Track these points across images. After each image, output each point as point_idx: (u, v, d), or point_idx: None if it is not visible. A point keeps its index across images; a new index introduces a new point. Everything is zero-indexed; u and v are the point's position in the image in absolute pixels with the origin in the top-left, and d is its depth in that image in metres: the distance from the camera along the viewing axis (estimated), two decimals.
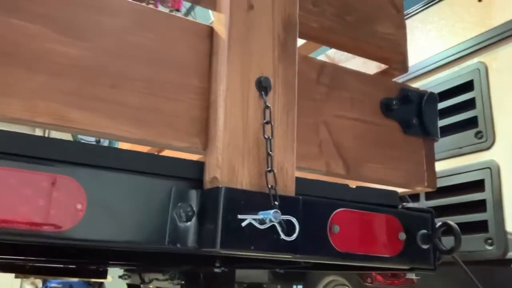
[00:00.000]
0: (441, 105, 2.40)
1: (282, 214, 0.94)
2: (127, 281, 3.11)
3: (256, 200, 0.96)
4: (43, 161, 0.86)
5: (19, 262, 2.31)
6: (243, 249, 0.93)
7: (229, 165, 0.98)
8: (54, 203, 0.85)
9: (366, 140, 1.26)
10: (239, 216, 0.93)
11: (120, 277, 3.18)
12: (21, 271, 2.89)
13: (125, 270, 3.09)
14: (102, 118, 0.94)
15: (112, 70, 0.97)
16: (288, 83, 1.09)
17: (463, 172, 2.32)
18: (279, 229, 0.94)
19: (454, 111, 2.42)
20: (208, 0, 1.13)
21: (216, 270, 1.99)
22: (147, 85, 1.00)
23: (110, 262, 2.25)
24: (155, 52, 1.03)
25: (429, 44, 2.69)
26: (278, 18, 1.11)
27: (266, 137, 1.01)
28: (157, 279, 2.63)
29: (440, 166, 2.38)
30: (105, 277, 3.05)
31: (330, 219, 1.11)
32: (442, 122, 2.38)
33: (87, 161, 0.90)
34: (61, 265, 2.54)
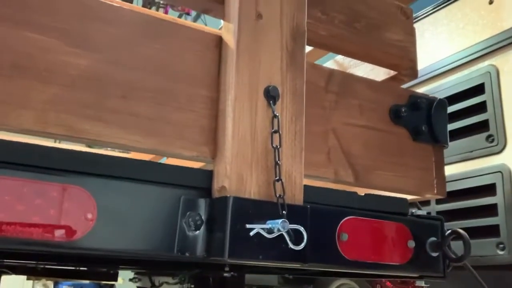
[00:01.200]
0: (452, 109, 2.38)
1: (290, 223, 0.94)
2: (138, 284, 3.12)
3: (264, 209, 0.97)
4: (54, 171, 0.88)
5: (31, 264, 2.34)
6: (251, 259, 0.93)
7: (237, 174, 0.98)
8: (64, 213, 0.86)
9: (375, 147, 1.26)
10: (247, 226, 0.93)
11: (130, 280, 3.19)
12: (32, 273, 2.92)
13: (135, 273, 3.10)
14: (113, 128, 0.95)
15: (122, 80, 0.98)
16: (296, 92, 1.10)
17: (474, 176, 2.30)
18: (287, 238, 0.94)
19: (465, 114, 2.40)
20: (217, 9, 1.13)
21: (226, 274, 2.00)
22: (157, 95, 1.01)
23: (121, 266, 2.27)
24: (164, 62, 1.04)
25: (440, 47, 2.67)
26: (286, 27, 1.11)
27: (274, 146, 1.01)
28: (167, 283, 2.65)
29: (451, 170, 2.38)
30: (115, 280, 3.07)
31: (338, 227, 1.11)
32: (452, 126, 2.37)
33: (97, 170, 0.91)
34: (72, 268, 2.56)
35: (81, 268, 2.64)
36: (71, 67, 0.94)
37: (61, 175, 0.88)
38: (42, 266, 2.53)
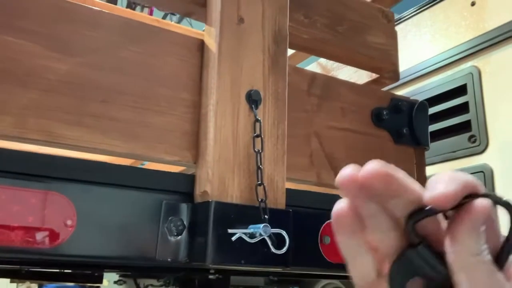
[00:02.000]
0: (435, 109, 2.41)
1: (273, 227, 0.94)
2: (122, 286, 3.10)
3: (247, 214, 0.97)
4: (32, 177, 0.86)
5: (14, 268, 2.31)
6: (234, 263, 0.93)
7: (219, 179, 0.98)
8: (43, 220, 0.85)
9: (357, 150, 1.27)
10: (230, 230, 0.93)
11: (115, 282, 3.17)
12: (16, 276, 2.88)
13: (120, 276, 3.08)
14: (93, 133, 0.94)
15: (102, 85, 0.97)
16: (279, 95, 1.10)
17: None
18: (269, 242, 0.94)
19: (447, 115, 2.43)
20: (199, 12, 1.13)
21: (211, 276, 1.99)
22: (138, 99, 1.01)
23: (105, 268, 2.25)
24: (145, 66, 1.03)
25: (423, 48, 2.70)
26: (268, 31, 1.11)
27: (256, 150, 1.01)
28: (152, 285, 2.63)
29: (434, 170, 2.40)
30: (100, 282, 3.04)
31: (321, 230, 1.12)
32: (435, 126, 2.39)
33: (76, 176, 0.90)
34: (57, 270, 2.54)
35: (65, 271, 2.61)
36: (51, 72, 0.92)
37: (40, 181, 0.87)
38: (26, 269, 2.50)
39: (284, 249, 0.95)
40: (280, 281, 3.02)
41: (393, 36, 1.41)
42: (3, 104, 0.87)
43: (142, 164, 2.12)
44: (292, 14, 1.19)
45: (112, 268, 1.92)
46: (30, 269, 2.47)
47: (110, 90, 0.98)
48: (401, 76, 1.48)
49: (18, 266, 2.03)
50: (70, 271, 2.62)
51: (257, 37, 1.09)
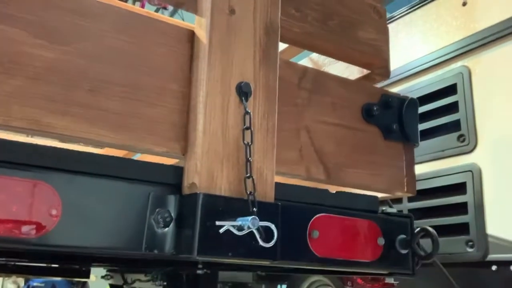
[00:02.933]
0: (425, 108, 2.42)
1: (261, 220, 0.94)
2: (110, 281, 3.08)
3: (235, 206, 0.96)
4: (17, 165, 0.85)
5: (0, 261, 2.28)
6: (221, 256, 0.93)
7: (208, 171, 0.97)
8: (28, 209, 0.84)
9: (347, 145, 1.26)
10: (217, 223, 0.92)
11: (102, 277, 3.15)
12: (2, 270, 2.85)
13: (107, 271, 3.06)
14: (80, 122, 0.93)
15: (90, 74, 0.96)
16: (269, 88, 1.09)
17: (445, 175, 2.34)
18: (257, 235, 0.94)
19: (437, 114, 2.44)
20: (190, 3, 1.12)
21: (199, 271, 1.99)
22: (126, 90, 0.99)
23: (92, 263, 2.23)
24: (134, 56, 1.02)
25: (414, 47, 2.71)
26: (259, 23, 1.10)
27: (246, 143, 1.01)
28: (139, 280, 2.62)
29: (422, 169, 2.41)
30: (88, 277, 3.02)
31: (309, 224, 1.12)
32: (425, 125, 2.40)
33: (62, 166, 0.89)
34: (44, 264, 2.51)
35: (52, 265, 2.59)
36: (37, 59, 0.91)
37: (25, 170, 0.85)
38: (12, 263, 2.47)
39: (272, 242, 0.95)
40: (268, 277, 3.02)
41: (385, 32, 1.40)
42: None
43: (135, 157, 2.10)
44: (284, 7, 1.18)
45: (99, 261, 1.90)
46: (17, 263, 2.44)
47: (98, 79, 0.96)
48: (391, 75, 1.49)
49: (4, 259, 2.00)
50: (57, 265, 2.60)
51: (249, 29, 1.08)
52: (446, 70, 2.48)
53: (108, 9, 1.01)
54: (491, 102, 2.24)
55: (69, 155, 0.91)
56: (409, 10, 2.78)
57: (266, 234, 0.95)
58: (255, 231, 0.93)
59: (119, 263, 2.18)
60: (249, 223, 0.92)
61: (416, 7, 2.75)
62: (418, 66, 2.62)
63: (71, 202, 0.88)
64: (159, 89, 1.03)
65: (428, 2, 2.68)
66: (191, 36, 1.09)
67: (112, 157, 0.97)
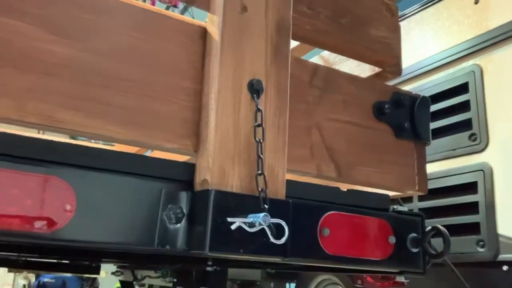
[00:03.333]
0: (436, 107, 2.41)
1: (272, 217, 0.94)
2: (120, 277, 3.11)
3: (246, 203, 0.96)
4: (32, 161, 0.86)
5: (12, 257, 2.31)
6: (232, 252, 0.93)
7: (219, 168, 0.98)
8: (42, 204, 0.85)
9: (358, 143, 1.26)
10: (229, 219, 0.93)
11: (113, 273, 3.18)
12: (14, 265, 2.89)
13: (118, 267, 3.09)
14: (93, 118, 0.94)
15: (103, 70, 0.97)
16: (280, 86, 1.09)
17: (457, 174, 2.33)
18: (268, 232, 0.94)
19: (448, 113, 2.43)
20: (202, 1, 1.12)
21: (208, 268, 1.99)
22: (139, 86, 1.00)
23: (103, 259, 2.25)
24: (147, 52, 1.02)
25: (425, 45, 2.70)
26: (271, 21, 1.11)
27: (257, 140, 1.01)
28: (149, 276, 2.64)
29: (433, 168, 2.40)
30: (98, 273, 3.05)
31: (320, 222, 1.12)
32: (436, 124, 2.39)
33: (77, 161, 0.90)
34: (55, 260, 2.54)
35: (63, 261, 2.61)
36: (51, 55, 0.92)
37: (39, 165, 0.86)
38: (23, 259, 2.50)
39: (283, 239, 0.95)
40: (277, 275, 3.02)
41: (396, 30, 1.40)
42: (2, 86, 0.87)
43: (147, 153, 2.11)
44: (296, 4, 1.18)
45: (110, 257, 1.92)
46: (28, 259, 2.47)
47: (110, 75, 0.97)
48: (403, 73, 1.48)
49: (16, 255, 2.02)
50: (67, 261, 2.63)
51: (260, 26, 1.08)
52: (458, 68, 2.46)
53: (121, 6, 1.02)
54: (503, 101, 2.22)
55: (84, 151, 0.92)
56: (421, 8, 2.77)
57: (277, 231, 0.96)
58: (266, 228, 0.93)
59: (129, 259, 2.19)
60: (260, 220, 0.92)
61: (428, 5, 2.73)
62: (429, 64, 2.60)
63: (85, 197, 0.89)
64: (171, 86, 1.04)
65: (440, 0, 2.67)
66: (203, 33, 1.10)
67: (126, 153, 0.98)
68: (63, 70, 0.92)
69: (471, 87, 2.35)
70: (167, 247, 0.95)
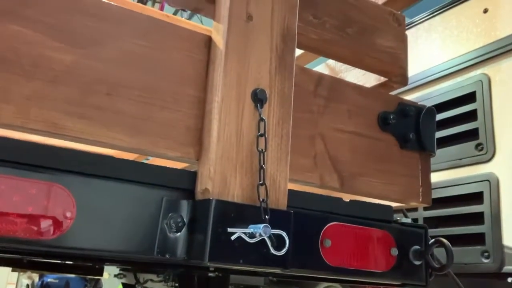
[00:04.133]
0: (443, 116, 2.39)
1: (273, 228, 0.93)
2: (123, 280, 3.11)
3: (247, 213, 0.96)
4: (33, 167, 0.86)
5: (16, 257, 2.32)
6: (232, 263, 0.93)
7: (221, 177, 0.97)
8: (42, 211, 0.85)
9: (362, 153, 1.25)
10: (229, 229, 0.92)
11: (115, 276, 3.18)
12: (18, 265, 2.90)
13: (120, 270, 3.09)
14: (96, 126, 0.94)
15: (107, 77, 0.97)
16: (284, 95, 1.09)
17: (462, 184, 2.31)
18: (269, 243, 0.94)
19: (455, 122, 2.41)
20: (208, 9, 1.12)
21: (210, 274, 1.99)
22: (143, 94, 1.00)
23: (106, 261, 2.25)
24: (151, 60, 1.02)
25: (433, 54, 2.68)
26: (276, 30, 1.10)
27: (260, 150, 1.00)
28: (152, 280, 2.63)
29: (439, 177, 2.38)
30: (101, 275, 3.05)
31: (322, 233, 1.11)
32: (442, 133, 2.37)
33: (78, 168, 0.90)
34: (58, 261, 2.54)
35: (66, 262, 2.62)
36: (55, 62, 0.92)
37: (40, 172, 0.86)
38: (28, 259, 2.51)
39: (284, 251, 0.94)
40: (279, 282, 3.01)
41: (403, 40, 1.39)
42: (6, 93, 0.87)
43: (146, 160, 2.12)
44: (301, 13, 1.18)
45: (112, 261, 1.92)
46: (32, 259, 2.48)
47: (115, 83, 0.97)
48: (410, 81, 1.47)
49: (20, 256, 2.03)
50: (71, 262, 2.63)
51: (265, 35, 1.08)
52: (466, 77, 2.44)
53: (127, 14, 1.02)
54: (511, 111, 2.20)
55: (84, 158, 0.92)
56: (429, 16, 2.75)
57: (278, 242, 0.95)
58: (266, 239, 0.93)
59: (131, 263, 2.19)
60: (260, 230, 0.92)
61: (437, 13, 2.71)
62: (437, 73, 2.58)
63: (85, 204, 0.89)
64: (175, 93, 1.04)
65: (449, 8, 2.65)
66: (208, 41, 1.10)
67: (127, 160, 0.98)
68: (68, 77, 0.93)
69: (478, 96, 2.34)
70: (167, 255, 0.94)
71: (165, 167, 1.01)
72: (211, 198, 0.94)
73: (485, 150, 2.26)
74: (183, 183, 1.01)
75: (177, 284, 2.31)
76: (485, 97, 2.31)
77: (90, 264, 2.84)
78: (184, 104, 1.04)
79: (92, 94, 0.95)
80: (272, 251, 0.93)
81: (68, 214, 0.87)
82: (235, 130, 1.01)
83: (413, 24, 2.80)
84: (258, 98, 1.03)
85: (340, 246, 1.13)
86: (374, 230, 1.19)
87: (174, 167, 1.03)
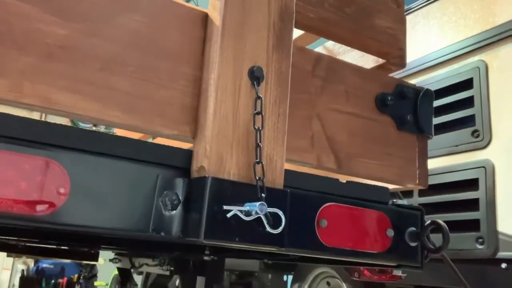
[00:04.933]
0: (440, 102, 2.39)
1: (269, 207, 0.93)
2: (118, 264, 3.11)
3: (243, 192, 0.95)
4: (26, 142, 0.85)
5: (11, 241, 2.31)
6: (228, 241, 0.92)
7: (217, 155, 0.96)
8: (36, 186, 0.84)
9: (359, 135, 1.24)
10: (225, 207, 0.92)
11: (110, 260, 3.18)
12: (13, 250, 2.89)
13: (116, 254, 3.09)
14: (90, 101, 0.92)
15: (102, 53, 0.95)
16: (282, 74, 1.07)
17: (458, 170, 2.31)
18: (265, 221, 0.93)
19: (452, 108, 2.41)
20: None
21: (206, 258, 1.99)
22: (138, 70, 0.98)
23: (101, 245, 2.25)
24: (147, 37, 1.01)
25: (431, 40, 2.67)
26: (274, 7, 1.09)
27: (256, 128, 0.99)
28: (147, 264, 2.64)
29: (435, 163, 2.38)
30: (96, 260, 3.06)
31: (318, 213, 1.10)
32: (439, 119, 2.37)
33: (72, 144, 0.89)
34: (54, 246, 2.54)
35: (62, 247, 2.62)
36: (49, 36, 0.90)
37: (35, 147, 0.85)
38: (23, 244, 2.50)
39: (280, 229, 0.94)
40: (274, 268, 3.02)
41: (402, 21, 1.38)
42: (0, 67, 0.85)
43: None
44: None
45: (107, 243, 1.91)
46: (27, 244, 2.47)
47: (109, 59, 0.95)
48: (407, 67, 1.46)
49: (15, 239, 2.02)
50: (66, 247, 2.63)
51: (263, 13, 1.07)
52: (463, 64, 2.43)
53: None
54: (508, 98, 2.20)
55: (79, 134, 0.91)
56: (427, 2, 2.73)
57: (274, 220, 0.94)
58: (262, 217, 0.92)
59: (127, 247, 2.19)
60: (256, 208, 0.91)
61: None
62: (434, 59, 2.57)
63: (79, 181, 0.88)
64: (171, 71, 1.02)
65: None
66: (205, 18, 1.08)
67: (122, 137, 0.96)
68: (62, 52, 0.91)
69: (475, 83, 2.33)
70: (162, 233, 0.94)
71: (160, 145, 1.00)
72: (206, 176, 0.93)
73: (482, 137, 2.26)
74: (179, 161, 1.00)
75: (172, 268, 2.31)
76: (482, 83, 2.30)
77: (85, 249, 2.84)
78: (180, 82, 1.03)
79: (85, 69, 0.93)
80: (268, 229, 0.93)
81: (62, 190, 0.86)
82: (232, 108, 1.00)
83: (411, 11, 2.79)
84: (255, 76, 1.02)
85: (336, 226, 1.12)
86: (370, 211, 1.18)
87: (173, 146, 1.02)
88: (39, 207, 0.84)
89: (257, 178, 0.97)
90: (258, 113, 1.00)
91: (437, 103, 2.35)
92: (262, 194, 0.95)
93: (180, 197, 0.96)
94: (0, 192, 0.81)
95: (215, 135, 0.97)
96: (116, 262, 3.11)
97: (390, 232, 1.19)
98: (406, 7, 2.69)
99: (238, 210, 0.92)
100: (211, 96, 0.99)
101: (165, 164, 0.98)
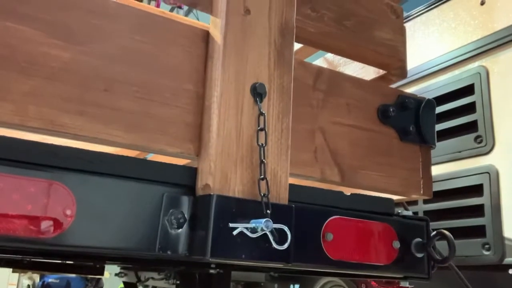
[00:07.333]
0: (441, 109, 2.39)
1: (275, 223, 0.93)
2: (124, 279, 3.11)
3: (248, 208, 0.95)
4: (32, 165, 0.85)
5: (17, 257, 2.31)
6: (234, 258, 0.92)
7: (221, 172, 0.97)
8: (42, 209, 0.84)
9: (362, 147, 1.25)
10: (231, 225, 0.92)
11: (116, 274, 3.17)
12: (19, 266, 2.89)
13: (121, 268, 3.08)
14: (94, 122, 0.93)
15: (105, 74, 0.96)
16: (284, 89, 1.08)
17: (462, 177, 2.31)
18: (270, 238, 0.93)
19: (454, 114, 2.41)
20: (205, 3, 1.11)
21: (212, 271, 1.98)
22: (141, 90, 0.99)
23: (107, 260, 2.25)
24: (149, 56, 1.02)
25: (431, 47, 2.68)
26: (274, 23, 1.10)
27: (260, 144, 1.00)
28: (153, 278, 2.63)
29: (439, 170, 2.38)
30: (102, 274, 3.05)
31: (323, 227, 1.10)
32: (441, 126, 2.37)
33: (77, 166, 0.89)
34: (59, 261, 2.54)
35: (67, 262, 2.62)
36: (52, 59, 0.91)
37: (39, 170, 0.86)
38: (28, 259, 2.50)
39: (286, 245, 0.94)
40: (281, 277, 3.01)
41: (402, 32, 1.38)
42: (4, 91, 0.86)
43: (147, 157, 2.11)
44: (299, 7, 1.17)
45: (113, 259, 1.91)
46: (32, 260, 2.47)
47: (113, 79, 0.96)
48: (408, 75, 1.46)
49: (20, 256, 2.02)
50: (71, 262, 2.63)
51: (263, 29, 1.07)
52: (464, 70, 2.44)
53: (124, 10, 1.01)
54: (509, 103, 2.20)
55: (84, 155, 0.91)
56: (426, 9, 2.75)
57: (280, 236, 0.95)
58: (268, 234, 0.92)
59: (132, 262, 2.19)
60: (262, 225, 0.91)
61: (433, 6, 2.71)
62: (435, 66, 2.58)
63: (85, 202, 0.88)
64: (173, 89, 1.03)
65: (446, 1, 2.65)
66: (206, 36, 1.09)
67: (127, 157, 0.97)
68: (65, 74, 0.92)
69: (476, 88, 2.33)
70: (169, 252, 0.94)
71: (165, 163, 1.00)
72: (212, 194, 0.93)
73: (484, 142, 2.26)
74: (184, 179, 1.00)
75: (178, 282, 2.31)
76: (483, 89, 2.30)
77: (91, 264, 2.84)
78: (183, 100, 1.04)
79: (89, 91, 0.94)
80: (274, 245, 0.93)
81: (68, 212, 0.86)
82: (235, 125, 1.00)
83: (410, 18, 2.80)
84: (258, 92, 1.03)
85: (342, 239, 1.12)
86: (375, 223, 1.19)
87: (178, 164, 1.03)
88: (46, 230, 0.84)
89: (262, 194, 0.97)
90: (261, 130, 1.01)
91: (439, 109, 2.36)
92: (268, 211, 0.95)
93: (186, 215, 0.97)
94: (6, 216, 0.81)
95: (219, 153, 0.97)
96: (122, 276, 3.10)
97: (396, 244, 1.19)
98: (405, 14, 2.70)
99: (244, 227, 0.92)
100: (214, 114, 1.00)
101: (170, 182, 0.98)
